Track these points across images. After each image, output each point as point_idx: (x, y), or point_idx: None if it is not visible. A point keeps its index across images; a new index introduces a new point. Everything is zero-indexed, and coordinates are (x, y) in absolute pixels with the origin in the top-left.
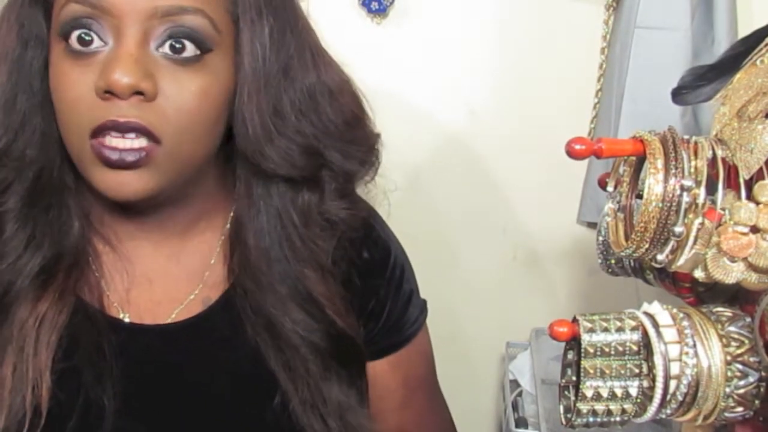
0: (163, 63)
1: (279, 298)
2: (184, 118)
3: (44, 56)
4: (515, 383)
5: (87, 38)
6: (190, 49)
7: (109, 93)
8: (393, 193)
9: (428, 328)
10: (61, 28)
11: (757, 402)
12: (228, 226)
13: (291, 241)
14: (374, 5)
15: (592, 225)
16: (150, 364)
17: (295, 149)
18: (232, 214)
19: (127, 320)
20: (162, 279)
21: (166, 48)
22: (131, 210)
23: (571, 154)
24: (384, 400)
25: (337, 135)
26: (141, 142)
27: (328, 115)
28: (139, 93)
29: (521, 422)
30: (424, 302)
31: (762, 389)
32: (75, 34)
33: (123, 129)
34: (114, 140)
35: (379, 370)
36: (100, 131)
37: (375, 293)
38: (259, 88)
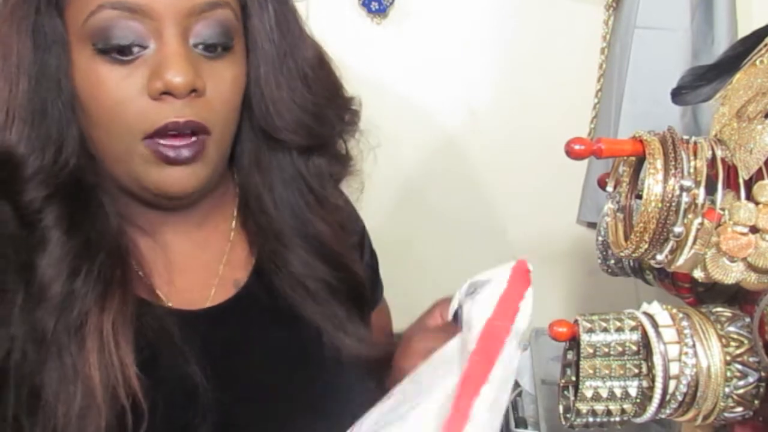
0: (202, 58)
1: (299, 253)
2: (227, 107)
3: (67, 60)
4: (515, 383)
5: (126, 43)
6: (223, 43)
7: (165, 94)
8: (392, 193)
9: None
10: (94, 35)
11: (756, 402)
12: (237, 204)
13: (307, 202)
14: (374, 5)
15: (592, 225)
16: (212, 343)
17: (310, 118)
18: (237, 192)
19: (174, 307)
20: (194, 265)
21: (202, 45)
22: (159, 204)
23: (571, 154)
24: None
25: (333, 100)
26: (195, 138)
27: (323, 83)
28: (193, 90)
29: (521, 422)
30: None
31: (761, 389)
32: (112, 41)
33: (182, 129)
34: (170, 141)
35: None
36: (157, 134)
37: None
38: (273, 67)
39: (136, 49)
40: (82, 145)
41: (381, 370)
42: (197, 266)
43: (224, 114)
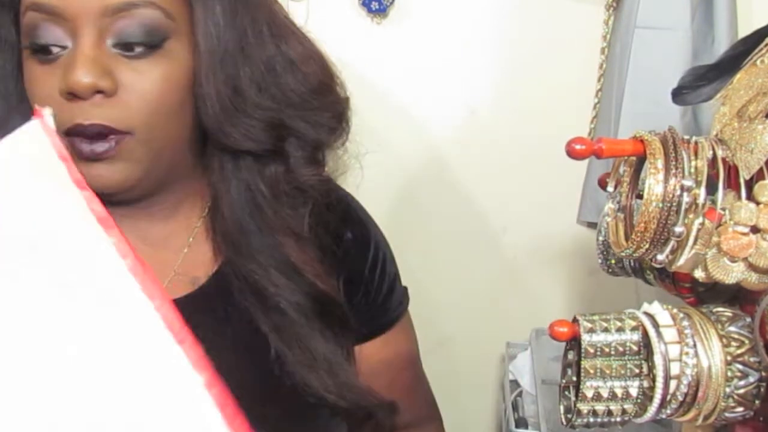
0: (121, 58)
1: (260, 265)
2: (150, 106)
3: (16, 59)
4: (515, 383)
5: (48, 42)
6: (145, 43)
7: (72, 95)
8: (391, 193)
9: (428, 328)
10: (25, 36)
11: (757, 402)
12: (208, 204)
13: (262, 212)
14: (374, 5)
15: (592, 225)
16: None
17: (256, 124)
18: (209, 196)
19: None
20: (150, 262)
21: (121, 45)
22: (116, 198)
23: (571, 154)
24: (371, 381)
25: (301, 105)
26: (108, 137)
27: (290, 85)
28: (100, 91)
29: (521, 422)
30: (405, 289)
31: (762, 389)
32: (35, 41)
33: (89, 134)
34: (83, 137)
35: (366, 352)
36: (69, 134)
37: (355, 274)
38: (215, 68)
39: (56, 50)
40: None
41: (350, 417)
42: (154, 263)
43: (146, 114)
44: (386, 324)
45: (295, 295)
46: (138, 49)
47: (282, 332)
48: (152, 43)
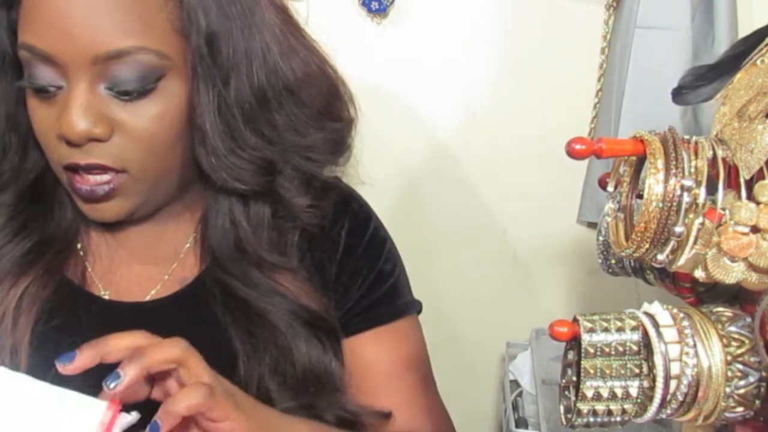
0: (115, 101)
1: (243, 281)
2: (145, 145)
3: (13, 83)
4: (515, 383)
5: (41, 84)
6: (138, 87)
7: (66, 140)
8: (391, 192)
9: (429, 328)
10: (24, 68)
11: (757, 402)
12: (200, 213)
13: (245, 244)
14: (374, 5)
15: (592, 225)
16: None
17: (248, 167)
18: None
19: (106, 297)
20: (143, 261)
21: (114, 90)
22: None
23: (572, 154)
24: (369, 373)
25: (297, 141)
26: (106, 177)
27: (289, 119)
28: (93, 138)
29: (521, 422)
30: (415, 300)
31: (762, 389)
32: (31, 80)
33: (84, 169)
34: (80, 176)
35: (363, 341)
36: (66, 168)
37: (356, 268)
38: (208, 102)
39: (52, 89)
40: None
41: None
42: (147, 261)
43: (142, 154)
44: (375, 318)
45: (279, 310)
46: (134, 93)
47: (257, 340)
48: (146, 87)
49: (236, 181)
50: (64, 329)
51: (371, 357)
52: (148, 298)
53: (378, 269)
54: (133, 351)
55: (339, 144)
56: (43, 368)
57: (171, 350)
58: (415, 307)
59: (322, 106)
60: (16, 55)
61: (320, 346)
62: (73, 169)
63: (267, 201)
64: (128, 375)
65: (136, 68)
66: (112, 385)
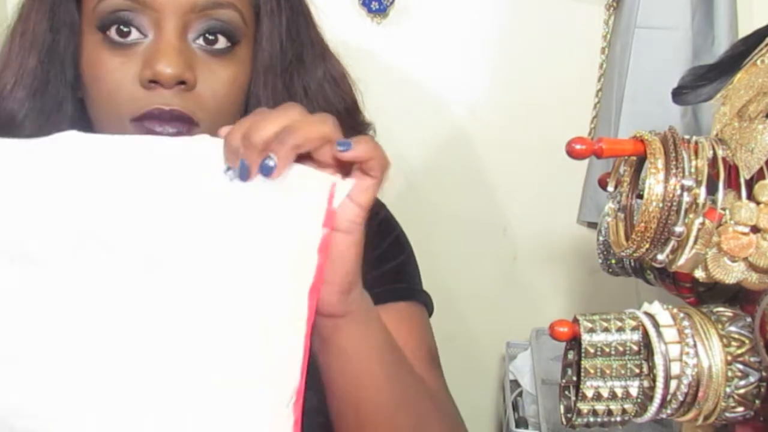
0: (199, 54)
1: None
2: (218, 104)
3: (75, 43)
4: (515, 383)
5: (126, 30)
6: (222, 42)
7: (153, 83)
8: (392, 192)
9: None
10: (99, 21)
11: (757, 402)
12: None
13: None
14: (374, 5)
15: (592, 225)
16: None
17: None
18: None
19: None
20: None
21: (201, 41)
22: None
23: (572, 154)
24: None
25: (339, 121)
26: (182, 127)
27: (332, 101)
28: (182, 83)
29: (521, 422)
30: (425, 292)
31: (762, 389)
32: (115, 27)
33: (167, 117)
34: (156, 126)
35: None
36: (144, 118)
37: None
38: (275, 74)
39: (135, 36)
40: (78, 122)
41: None
42: None
43: (214, 110)
44: (385, 293)
45: None
46: (215, 46)
47: None
48: (230, 39)
49: None
50: None
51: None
52: None
53: (384, 248)
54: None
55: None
56: None
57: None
58: (428, 300)
59: (353, 101)
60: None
61: None
62: (146, 117)
63: None
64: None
65: (224, 23)
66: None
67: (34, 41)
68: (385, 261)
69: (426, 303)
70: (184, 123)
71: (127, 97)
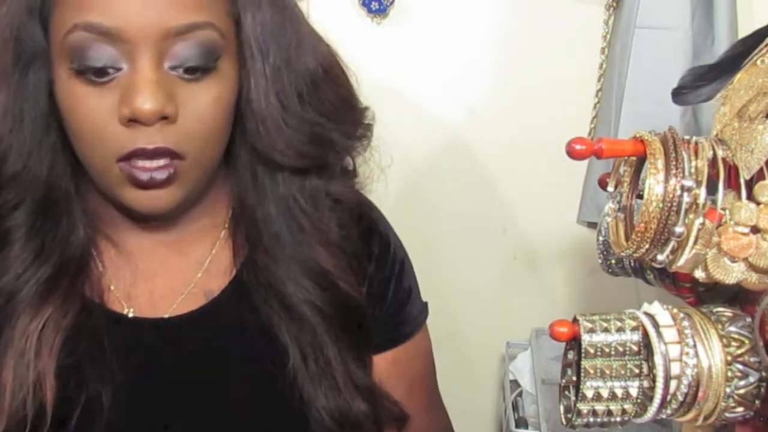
0: (178, 81)
1: (289, 272)
2: (204, 129)
3: (47, 73)
4: (515, 383)
5: (100, 66)
6: (202, 65)
7: (133, 121)
8: (392, 193)
9: (429, 328)
10: (68, 54)
11: (757, 402)
12: (230, 213)
13: (300, 224)
14: (374, 5)
15: (592, 225)
16: (151, 357)
17: (303, 139)
18: (232, 203)
19: (131, 315)
20: (165, 272)
21: (180, 71)
22: (138, 216)
23: (572, 154)
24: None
25: (336, 116)
26: (167, 162)
27: (328, 97)
28: (163, 117)
29: (521, 422)
30: (425, 304)
31: (762, 389)
32: (86, 62)
33: (151, 155)
34: (142, 162)
35: (377, 366)
36: (128, 157)
37: (375, 286)
38: (264, 83)
39: (110, 71)
40: (62, 153)
41: (354, 429)
42: (170, 273)
43: (202, 137)
44: (398, 338)
45: (321, 301)
46: (196, 73)
47: (301, 342)
48: (208, 66)
49: (299, 156)
50: (87, 357)
51: (382, 380)
52: (170, 311)
53: (398, 290)
54: None
55: (367, 125)
56: (69, 404)
57: None
58: (425, 313)
59: (348, 90)
60: (44, 47)
61: (355, 348)
62: (132, 157)
63: (321, 176)
64: None
65: (202, 45)
66: None
67: (2, 75)
68: (393, 304)
69: (427, 312)
70: (169, 157)
71: (108, 135)
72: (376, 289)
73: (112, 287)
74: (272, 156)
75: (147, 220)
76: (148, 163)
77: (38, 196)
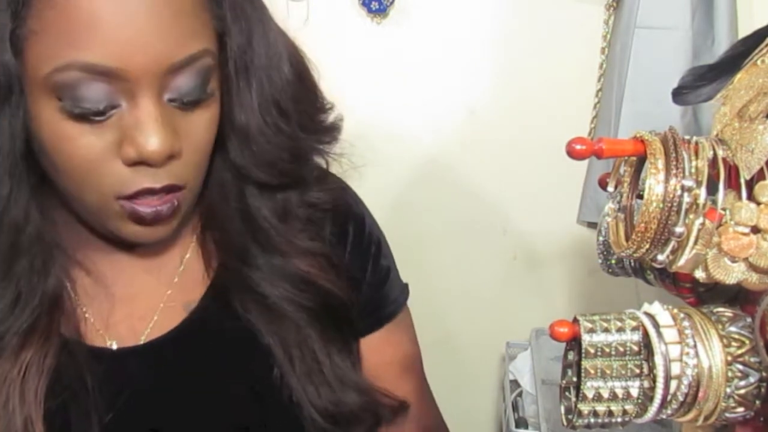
0: (177, 112)
1: (264, 275)
2: (203, 158)
3: (23, 108)
4: (515, 383)
5: (98, 108)
6: (201, 94)
7: (141, 163)
8: (391, 193)
9: (429, 328)
10: (56, 91)
11: (757, 402)
12: (199, 221)
13: (269, 236)
14: (374, 5)
15: (592, 225)
16: (136, 387)
17: (286, 157)
18: (200, 207)
19: (114, 347)
20: (141, 291)
21: (178, 102)
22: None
23: (572, 154)
24: (379, 370)
25: (312, 125)
26: (171, 195)
27: (306, 109)
28: (170, 156)
29: (521, 422)
30: (405, 285)
31: (763, 389)
32: (81, 104)
33: (158, 193)
34: (148, 199)
35: (366, 349)
36: (133, 197)
37: (352, 268)
38: (250, 99)
39: (108, 111)
40: (39, 189)
41: (350, 424)
42: (146, 291)
43: (200, 165)
44: (383, 318)
45: (301, 298)
46: (198, 101)
47: (285, 341)
48: (205, 92)
49: (276, 171)
50: (71, 397)
51: (372, 362)
52: (147, 332)
53: (376, 271)
54: None
55: (337, 127)
56: None
57: None
58: (406, 293)
59: (312, 97)
60: (21, 83)
61: (340, 340)
62: (136, 195)
63: (293, 188)
64: None
65: (199, 74)
66: None
67: None
68: (373, 284)
69: (406, 297)
70: (174, 192)
71: (109, 175)
72: (354, 272)
73: (89, 317)
74: (251, 173)
75: (122, 241)
76: (153, 200)
77: (8, 240)
